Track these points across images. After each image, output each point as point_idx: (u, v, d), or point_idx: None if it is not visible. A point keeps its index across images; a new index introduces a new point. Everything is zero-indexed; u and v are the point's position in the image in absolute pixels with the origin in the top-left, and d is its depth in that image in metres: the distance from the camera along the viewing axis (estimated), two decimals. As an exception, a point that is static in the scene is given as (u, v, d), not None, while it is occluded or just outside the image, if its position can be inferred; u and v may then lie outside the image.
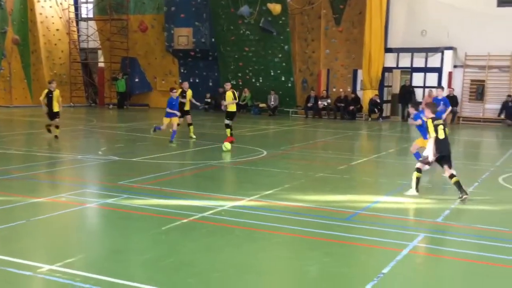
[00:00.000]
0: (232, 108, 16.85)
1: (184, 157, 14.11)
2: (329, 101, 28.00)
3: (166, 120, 16.55)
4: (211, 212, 8.12)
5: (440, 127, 9.31)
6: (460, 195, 9.09)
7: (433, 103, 10.27)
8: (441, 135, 9.28)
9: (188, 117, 17.83)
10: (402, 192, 9.51)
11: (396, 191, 9.80)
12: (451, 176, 9.25)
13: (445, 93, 25.78)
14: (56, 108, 16.75)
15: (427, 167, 9.58)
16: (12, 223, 7.30)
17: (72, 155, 13.73)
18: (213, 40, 30.09)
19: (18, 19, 31.83)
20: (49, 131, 16.85)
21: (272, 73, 29.26)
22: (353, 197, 9.50)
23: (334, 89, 28.67)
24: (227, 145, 14.70)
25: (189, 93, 18.04)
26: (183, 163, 12.90)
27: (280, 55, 28.80)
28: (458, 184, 9.15)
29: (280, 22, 28.06)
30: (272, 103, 28.84)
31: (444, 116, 14.64)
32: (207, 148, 15.38)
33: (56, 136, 16.48)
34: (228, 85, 17.34)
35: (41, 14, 32.76)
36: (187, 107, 17.86)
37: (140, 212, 8.09)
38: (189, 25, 30.13)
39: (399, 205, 9.02)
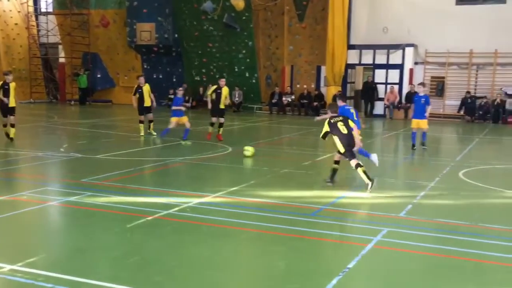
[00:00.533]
0: (222, 105, 16.23)
1: (148, 154, 13.99)
2: (293, 97, 28.17)
3: (173, 119, 16.07)
4: (176, 209, 8.07)
5: (340, 123, 9.89)
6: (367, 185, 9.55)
7: (335, 104, 10.73)
8: (344, 131, 9.84)
9: (149, 115, 17.32)
10: (366, 187, 9.64)
11: (360, 186, 9.94)
12: (357, 165, 9.71)
13: (405, 89, 26.46)
14: (12, 102, 15.37)
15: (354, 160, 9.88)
16: (-29, 223, 7.12)
17: (32, 152, 13.46)
18: (176, 35, 29.88)
19: (-26, 13, 31.01)
20: (6, 135, 15.23)
21: (236, 69, 29.24)
22: (318, 192, 9.58)
23: (298, 85, 28.83)
24: (250, 149, 13.27)
25: (146, 88, 17.34)
26: (147, 160, 12.79)
27: (244, 51, 28.80)
28: (365, 173, 9.62)
29: (244, 18, 28.04)
30: (237, 99, 28.82)
31: (426, 114, 14.99)
32: (171, 145, 15.27)
33: (11, 139, 15.03)
34: (223, 81, 16.38)
35: (-1, 7, 31.97)
36: (147, 103, 17.27)
37: (104, 209, 7.99)
38: (151, 20, 29.83)
39: (363, 200, 9.15)
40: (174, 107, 16.32)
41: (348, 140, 9.86)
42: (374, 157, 10.85)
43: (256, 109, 28.99)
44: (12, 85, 15.44)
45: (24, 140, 15.72)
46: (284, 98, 28.06)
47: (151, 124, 17.35)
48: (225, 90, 16.32)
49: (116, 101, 32.51)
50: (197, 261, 5.98)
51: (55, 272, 5.42)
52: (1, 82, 15.69)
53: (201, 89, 29.82)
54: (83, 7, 32.41)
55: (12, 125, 15.31)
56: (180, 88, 17.51)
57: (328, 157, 13.99)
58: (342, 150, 9.86)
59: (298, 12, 28.25)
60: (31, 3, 33.98)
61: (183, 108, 16.38)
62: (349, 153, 9.82)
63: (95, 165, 11.92)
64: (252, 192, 9.38)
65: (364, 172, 9.62)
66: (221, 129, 16.31)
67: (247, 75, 29.11)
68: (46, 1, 35.21)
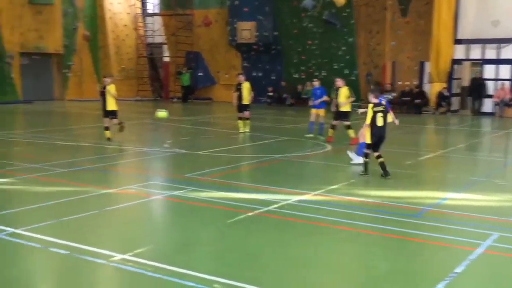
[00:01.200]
0: (346, 107, 15.22)
1: (248, 150, 14.19)
2: (394, 94, 27.43)
3: (313, 111, 16.20)
4: (275, 206, 8.13)
5: (379, 115, 9.86)
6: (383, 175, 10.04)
7: (377, 88, 10.75)
8: (379, 123, 9.89)
9: (246, 113, 17.32)
10: (472, 188, 9.20)
11: (465, 187, 9.50)
12: (379, 156, 10.02)
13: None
14: (110, 105, 14.86)
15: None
16: (86, 213, 7.57)
17: (138, 148, 14.10)
18: (276, 33, 30.11)
19: (88, 15, 32.90)
20: (121, 128, 15.05)
21: (335, 66, 28.97)
22: (422, 193, 9.28)
23: (399, 82, 28.05)
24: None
25: (246, 85, 17.22)
26: (248, 156, 12.99)
27: (343, 48, 28.48)
28: (383, 165, 10.06)
29: (344, 14, 27.72)
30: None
31: None
32: (270, 142, 15.41)
33: (108, 139, 14.79)
34: (340, 81, 15.34)
35: (109, 10, 33.73)
36: (245, 101, 17.18)
37: (206, 204, 8.21)
38: (252, 19, 30.26)
39: (470, 202, 8.74)
40: (315, 101, 16.15)
41: (380, 133, 9.94)
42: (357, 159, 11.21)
43: (355, 107, 28.49)
44: (110, 88, 14.78)
45: (130, 136, 16.50)
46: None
47: (247, 122, 17.45)
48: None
49: (216, 98, 33.30)
50: (295, 258, 5.99)
51: (162, 263, 5.64)
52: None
53: (299, 87, 29.85)
54: (187, 7, 33.51)
55: (107, 128, 14.96)
56: (315, 79, 17.30)
57: (431, 157, 13.52)
58: (369, 141, 9.94)
59: (401, 7, 27.46)
60: (139, 5, 35.59)
61: (326, 99, 16.16)
62: (374, 147, 10.02)
63: (198, 161, 12.28)
64: (352, 191, 9.26)
65: (382, 164, 9.96)
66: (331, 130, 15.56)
67: (346, 72, 28.73)
68: (153, 3, 36.74)
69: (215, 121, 21.28)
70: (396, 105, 27.15)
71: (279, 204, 8.21)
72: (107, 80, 14.99)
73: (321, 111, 16.34)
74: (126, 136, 16.28)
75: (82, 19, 32.48)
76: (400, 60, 27.93)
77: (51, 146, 13.94)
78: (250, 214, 7.66)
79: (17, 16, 28.39)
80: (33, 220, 7.21)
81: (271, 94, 30.75)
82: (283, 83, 30.61)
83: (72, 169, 10.75)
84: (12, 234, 6.49)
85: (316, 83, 16.69)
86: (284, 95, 30.36)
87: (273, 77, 31.33)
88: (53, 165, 10.99)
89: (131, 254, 5.89)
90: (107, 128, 14.90)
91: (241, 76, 17.91)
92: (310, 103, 16.79)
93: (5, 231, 6.60)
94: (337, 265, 5.97)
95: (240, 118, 17.33)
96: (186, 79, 32.93)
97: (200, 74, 33.72)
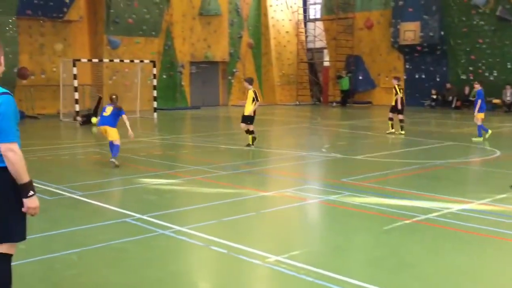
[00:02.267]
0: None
1: (409, 156, 13.72)
2: None
3: (479, 116, 15.92)
4: (436, 214, 7.77)
5: None
6: None
7: None
8: None
9: (400, 115, 17.50)
10: None
11: None
12: None
13: None
14: (246, 110, 14.59)
15: None
16: (244, 214, 7.89)
17: (297, 152, 14.32)
18: (442, 33, 28.80)
19: (252, 24, 34.33)
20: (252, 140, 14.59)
21: (508, 66, 26.91)
22: None
23: None
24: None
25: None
26: (408, 162, 12.56)
27: (518, 45, 26.37)
28: None
29: (519, 9, 25.65)
30: (508, 98, 26.50)
31: None
32: (432, 147, 14.76)
33: (248, 144, 14.60)
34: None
35: (272, 18, 34.81)
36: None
37: (361, 210, 8.10)
38: (417, 19, 29.30)
39: None
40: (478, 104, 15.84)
41: None
42: None
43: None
44: (249, 94, 14.57)
45: (289, 140, 16.86)
46: None
47: (402, 125, 17.46)
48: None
49: (376, 102, 32.71)
50: (455, 270, 5.66)
51: (315, 267, 5.67)
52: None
53: (466, 89, 28.21)
54: (349, 10, 33.42)
55: (249, 132, 14.75)
56: (476, 82, 16.71)
57: None
58: None
59: None
60: (301, 11, 36.26)
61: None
62: None
63: (355, 165, 12.16)
64: (524, 201, 8.52)
65: None
66: None
67: (521, 71, 26.59)
68: (315, 9, 37.19)
69: (374, 125, 20.90)
70: None
71: (440, 213, 7.83)
72: (247, 85, 14.64)
73: (481, 115, 15.84)
74: (285, 140, 16.67)
75: (247, 28, 33.94)
76: None
77: (215, 149, 14.72)
78: (407, 221, 7.40)
79: (188, 28, 30.49)
80: (196, 219, 7.68)
81: (434, 96, 29.45)
82: (448, 85, 29.15)
83: (232, 172, 11.26)
84: (178, 232, 6.96)
85: (477, 86, 16.08)
86: (450, 98, 28.89)
87: (438, 79, 29.98)
88: (215, 168, 11.61)
89: (285, 256, 6.00)
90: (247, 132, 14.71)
91: (394, 80, 18.00)
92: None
93: (172, 228, 7.11)
94: (501, 279, 5.53)
95: (390, 119, 17.83)
96: (345, 83, 32.83)
97: (360, 77, 33.40)
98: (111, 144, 11.91)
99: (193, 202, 8.70)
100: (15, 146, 4.02)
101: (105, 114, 11.95)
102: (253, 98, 14.45)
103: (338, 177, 10.62)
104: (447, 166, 11.77)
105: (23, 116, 22.93)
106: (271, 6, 34.78)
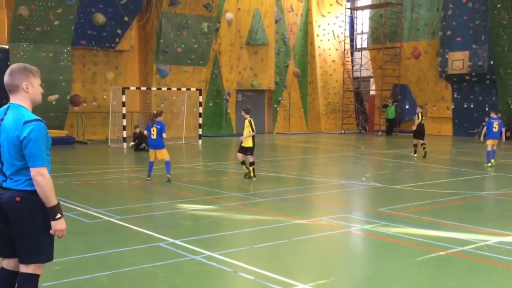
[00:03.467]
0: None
1: (451, 186, 13.39)
2: None
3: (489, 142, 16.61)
4: (472, 246, 7.54)
5: None
6: None
7: None
8: None
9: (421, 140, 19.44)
10: None
11: None
12: None
13: None
14: (245, 141, 13.86)
15: None
16: (277, 241, 7.86)
17: (337, 180, 14.21)
18: (492, 63, 28.23)
19: (299, 53, 34.57)
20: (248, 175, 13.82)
21: None
22: None
23: None
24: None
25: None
26: (449, 192, 12.26)
27: None
28: None
29: None
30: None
31: None
32: (476, 178, 14.38)
33: (249, 176, 13.72)
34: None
35: (319, 47, 34.94)
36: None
37: (395, 240, 7.95)
38: (465, 48, 28.87)
39: None
40: None
41: None
42: None
43: None
44: (246, 122, 13.99)
45: (330, 168, 16.74)
46: None
47: (425, 150, 19.13)
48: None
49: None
50: (488, 305, 5.47)
51: (340, 296, 5.60)
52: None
53: (516, 118, 27.42)
54: (396, 40, 33.24)
55: (249, 164, 13.91)
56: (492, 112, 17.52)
57: None
58: None
59: None
60: (348, 41, 36.27)
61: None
62: None
63: (393, 195, 11.97)
64: None
65: None
66: None
67: None
68: (362, 38, 37.15)
69: (418, 155, 20.51)
70: None
71: (477, 245, 7.60)
72: (245, 114, 14.17)
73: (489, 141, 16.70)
74: (327, 167, 16.55)
75: (293, 57, 34.19)
76: None
77: (261, 177, 14.74)
78: (441, 253, 7.21)
79: (236, 57, 30.96)
80: (228, 245, 7.71)
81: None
82: (498, 115, 28.32)
83: (270, 199, 11.26)
84: (208, 257, 7.00)
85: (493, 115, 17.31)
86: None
87: (487, 109, 29.25)
88: (254, 195, 11.64)
89: (311, 284, 5.94)
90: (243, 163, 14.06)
91: (418, 108, 20.43)
92: None
93: (203, 253, 7.15)
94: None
95: (415, 146, 19.57)
96: (391, 112, 32.48)
97: (407, 106, 32.97)
98: (152, 163, 13.33)
99: (227, 228, 8.75)
100: (44, 171, 4.18)
101: (152, 136, 13.08)
102: (250, 128, 13.80)
103: (375, 206, 10.47)
104: (489, 198, 11.43)
105: (72, 141, 23.71)
106: (318, 35, 34.95)
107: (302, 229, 8.71)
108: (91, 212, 9.61)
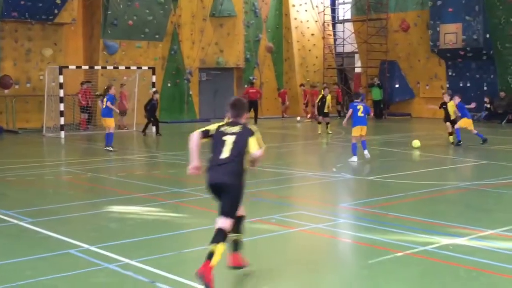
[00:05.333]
0: None
1: (432, 176, 13.27)
2: None
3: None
4: (436, 245, 7.45)
5: None
6: None
7: None
8: None
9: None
10: None
11: None
12: None
13: None
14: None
15: None
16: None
17: (302, 172, 14.04)
18: (488, 36, 28.30)
19: (272, 26, 34.33)
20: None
21: None
22: None
23: None
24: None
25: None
26: (427, 184, 12.12)
27: None
28: None
29: None
30: None
31: None
32: (463, 166, 14.38)
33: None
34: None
35: (295, 19, 34.74)
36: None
37: (350, 240, 7.85)
38: (458, 20, 28.91)
39: None
40: None
41: None
42: None
43: None
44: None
45: (299, 158, 16.63)
46: None
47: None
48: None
49: (416, 114, 32.18)
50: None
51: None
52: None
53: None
54: (382, 11, 33.15)
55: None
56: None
57: None
58: None
59: None
60: (328, 11, 36.09)
61: None
62: None
63: (363, 188, 11.93)
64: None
65: None
66: None
67: None
68: (344, 8, 36.99)
69: (406, 140, 20.46)
70: None
71: (441, 244, 7.51)
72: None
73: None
74: (295, 158, 16.41)
75: (266, 30, 33.94)
76: None
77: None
78: (398, 254, 7.10)
79: (198, 30, 30.59)
80: (151, 251, 7.47)
81: (488, 106, 28.63)
82: (502, 94, 28.38)
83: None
84: (124, 266, 6.77)
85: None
86: (500, 110, 28.17)
87: (485, 88, 29.39)
88: (199, 190, 11.38)
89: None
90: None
91: (445, 95, 19.14)
92: None
93: (120, 261, 6.91)
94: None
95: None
96: (376, 92, 32.32)
97: (397, 86, 32.96)
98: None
99: (156, 231, 8.51)
100: None
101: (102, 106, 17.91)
102: None
103: (337, 201, 10.43)
104: (470, 189, 11.37)
105: (0, 130, 23.25)
106: (293, 6, 34.72)
107: (244, 230, 8.50)
108: (-1, 215, 9.34)
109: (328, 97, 22.96)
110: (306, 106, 31.96)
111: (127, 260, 6.96)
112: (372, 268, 6.69)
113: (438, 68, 31.25)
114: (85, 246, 7.55)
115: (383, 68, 33.24)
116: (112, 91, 18.42)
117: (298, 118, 30.78)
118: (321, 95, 23.30)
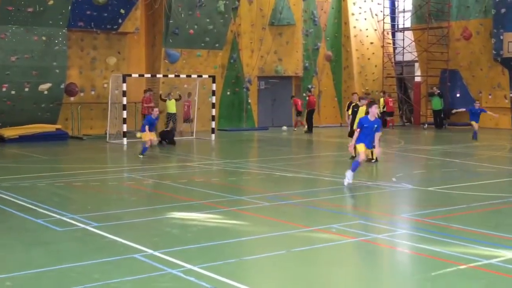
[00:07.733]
0: None
1: (495, 187, 12.98)
2: None
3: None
4: (501, 259, 7.28)
5: None
6: None
7: None
8: None
9: None
10: None
11: None
12: None
13: None
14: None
15: None
16: (271, 253, 7.71)
17: (362, 182, 13.92)
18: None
19: (331, 34, 34.25)
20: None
21: None
22: None
23: None
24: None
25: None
26: (489, 195, 11.87)
27: None
28: None
29: None
30: None
31: None
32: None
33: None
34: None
35: (354, 27, 34.57)
36: None
37: (411, 251, 7.75)
38: (523, 27, 28.18)
39: None
40: None
41: None
42: None
43: None
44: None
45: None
46: None
47: None
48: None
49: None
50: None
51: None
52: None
53: None
54: (443, 19, 32.64)
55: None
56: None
57: None
58: None
59: None
60: (388, 20, 35.76)
61: None
62: None
63: (423, 198, 11.76)
64: None
65: None
66: None
67: None
68: (404, 17, 36.56)
69: (469, 151, 20.08)
70: None
71: (507, 258, 7.32)
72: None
73: None
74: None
75: (325, 38, 33.90)
76: None
77: (266, 176, 14.60)
78: (462, 266, 6.98)
79: (257, 39, 30.80)
80: (214, 257, 7.54)
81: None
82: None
83: (277, 203, 11.11)
84: (187, 271, 6.88)
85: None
86: None
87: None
88: (259, 198, 11.49)
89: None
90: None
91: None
92: None
93: (183, 267, 7.02)
94: None
95: None
96: (436, 102, 31.75)
97: (458, 95, 32.33)
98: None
99: (218, 237, 8.62)
100: None
101: None
102: None
103: (398, 211, 10.31)
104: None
105: (66, 136, 23.89)
106: (353, 14, 34.56)
107: (304, 239, 8.55)
108: (66, 219, 9.61)
109: (362, 108, 16.98)
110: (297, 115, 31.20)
111: (189, 266, 7.06)
112: (435, 280, 6.59)
113: (501, 77, 30.51)
114: (149, 251, 7.70)
115: (444, 77, 32.67)
116: (155, 113, 18.64)
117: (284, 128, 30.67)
118: (354, 104, 18.40)
